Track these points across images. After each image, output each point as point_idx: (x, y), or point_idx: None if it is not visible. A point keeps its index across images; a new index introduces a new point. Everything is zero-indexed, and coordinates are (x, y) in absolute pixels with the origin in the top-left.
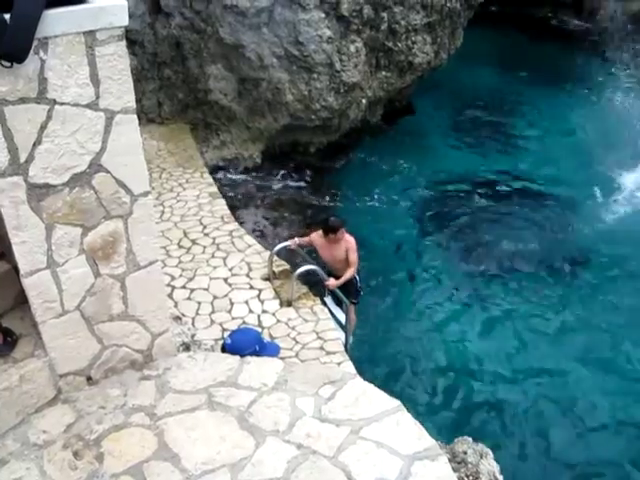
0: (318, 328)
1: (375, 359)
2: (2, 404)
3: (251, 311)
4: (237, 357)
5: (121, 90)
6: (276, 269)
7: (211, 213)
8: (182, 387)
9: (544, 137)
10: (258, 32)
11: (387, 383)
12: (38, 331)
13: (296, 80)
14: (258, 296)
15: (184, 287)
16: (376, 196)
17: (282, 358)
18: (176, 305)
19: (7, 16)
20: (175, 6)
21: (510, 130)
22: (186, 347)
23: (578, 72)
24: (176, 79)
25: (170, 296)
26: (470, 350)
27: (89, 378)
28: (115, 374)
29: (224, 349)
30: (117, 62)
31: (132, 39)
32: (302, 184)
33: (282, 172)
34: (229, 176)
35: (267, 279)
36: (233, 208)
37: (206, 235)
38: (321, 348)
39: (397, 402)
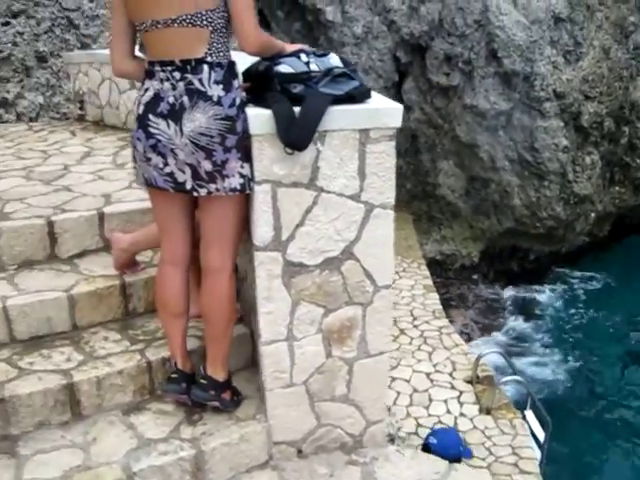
0: (515, 443)
1: None
2: (221, 458)
3: (449, 412)
4: (445, 462)
5: (384, 186)
6: (480, 374)
7: (423, 306)
8: None
9: None
10: (494, 134)
11: None
12: (262, 396)
13: (526, 185)
14: (458, 398)
15: None
16: (594, 313)
17: (473, 467)
18: None
19: (296, 109)
20: (417, 101)
21: None
22: (391, 439)
23: None
24: (407, 170)
25: None
26: None
27: (300, 451)
28: (324, 452)
29: (426, 448)
30: (384, 160)
31: None
32: (517, 292)
33: (498, 276)
34: (445, 271)
35: (470, 382)
36: (445, 304)
37: (415, 327)
38: (515, 465)
39: None
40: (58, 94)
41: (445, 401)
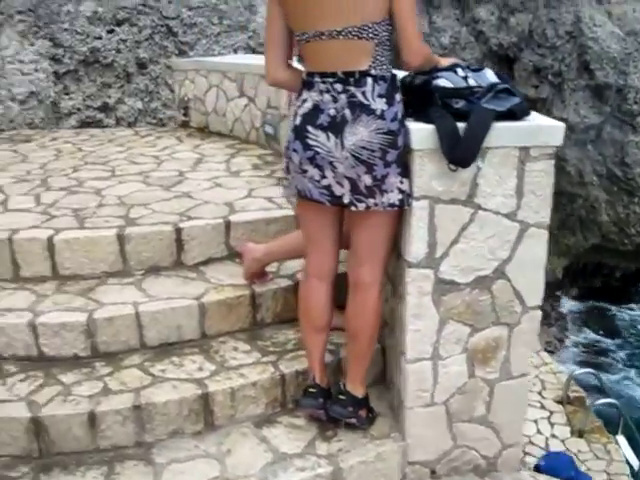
0: (610, 469)
1: None
2: (357, 476)
3: (539, 432)
4: None
5: (540, 205)
6: (571, 394)
7: None
8: None
9: None
10: (583, 148)
11: None
12: (395, 414)
13: (614, 201)
14: (548, 418)
15: None
16: None
17: None
18: None
19: (459, 125)
20: None
21: None
22: None
23: None
24: None
25: None
26: None
27: (433, 472)
28: (457, 474)
29: (537, 468)
30: (542, 179)
31: None
32: (601, 309)
33: (582, 292)
34: None
35: (560, 402)
36: None
37: None
38: None
39: None
40: (155, 100)
41: (535, 421)
